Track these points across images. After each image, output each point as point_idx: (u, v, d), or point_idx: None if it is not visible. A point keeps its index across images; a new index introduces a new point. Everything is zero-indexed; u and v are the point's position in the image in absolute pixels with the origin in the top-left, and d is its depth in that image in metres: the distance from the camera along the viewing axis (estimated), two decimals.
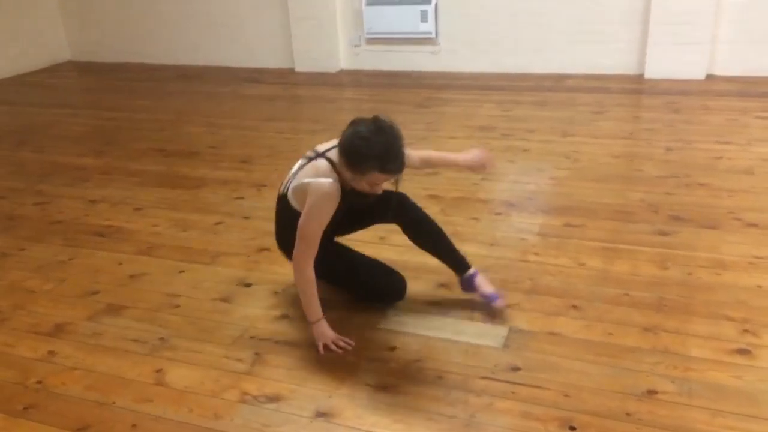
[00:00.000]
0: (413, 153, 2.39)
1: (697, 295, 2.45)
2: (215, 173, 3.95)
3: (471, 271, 2.45)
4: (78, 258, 3.01)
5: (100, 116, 5.39)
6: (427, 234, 2.47)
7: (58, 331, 2.45)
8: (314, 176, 2.18)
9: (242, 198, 3.59)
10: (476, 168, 2.53)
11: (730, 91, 4.99)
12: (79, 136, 4.91)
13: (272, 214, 3.39)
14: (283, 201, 2.38)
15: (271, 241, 3.02)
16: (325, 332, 2.25)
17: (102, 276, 2.83)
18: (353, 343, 2.26)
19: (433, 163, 2.60)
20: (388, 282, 2.46)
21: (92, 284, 2.76)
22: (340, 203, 2.15)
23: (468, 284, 2.46)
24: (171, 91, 6.05)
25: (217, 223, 3.28)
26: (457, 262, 2.47)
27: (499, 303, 2.41)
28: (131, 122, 5.13)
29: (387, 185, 2.24)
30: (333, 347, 2.24)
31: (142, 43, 7.12)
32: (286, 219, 2.33)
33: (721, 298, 2.42)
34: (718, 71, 5.38)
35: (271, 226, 3.22)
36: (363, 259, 2.50)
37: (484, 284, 2.44)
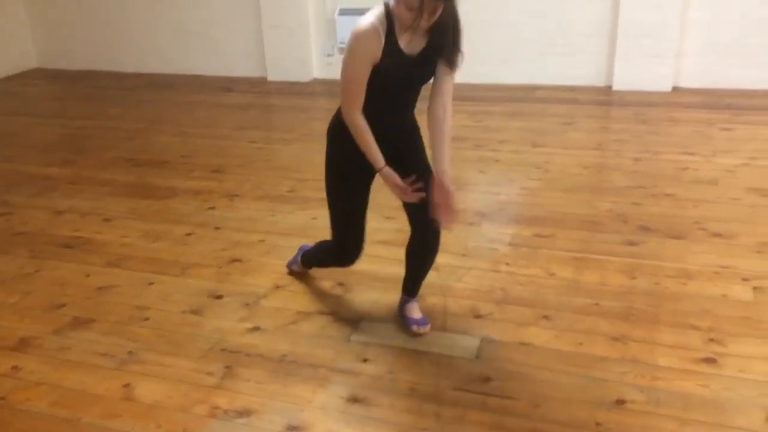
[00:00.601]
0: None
1: (664, 305, 2.49)
2: (186, 183, 3.91)
3: (407, 297, 2.44)
4: (44, 270, 2.95)
5: (68, 125, 5.31)
6: (421, 255, 2.39)
7: (23, 345, 2.40)
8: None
9: (214, 208, 3.56)
10: (436, 211, 2.23)
11: (695, 103, 5.11)
12: (47, 145, 4.82)
13: (244, 224, 3.38)
14: None
15: (243, 252, 3.02)
16: (393, 178, 2.18)
17: (69, 288, 2.78)
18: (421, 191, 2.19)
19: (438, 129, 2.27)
20: (342, 242, 2.40)
21: (59, 297, 2.71)
22: (385, 56, 2.03)
23: (402, 307, 2.45)
24: (142, 99, 5.99)
25: (188, 234, 3.25)
26: (409, 287, 2.45)
27: (417, 330, 2.36)
28: (101, 131, 5.06)
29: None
30: (408, 192, 2.19)
31: (112, 51, 7.03)
32: None
33: (687, 308, 2.47)
34: (684, 83, 5.49)
35: (242, 237, 3.20)
36: (349, 209, 2.37)
37: (412, 310, 2.42)
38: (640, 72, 5.44)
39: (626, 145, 4.27)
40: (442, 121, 2.25)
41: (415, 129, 2.36)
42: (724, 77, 5.39)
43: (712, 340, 2.27)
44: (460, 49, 2.18)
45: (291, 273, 2.80)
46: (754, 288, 2.58)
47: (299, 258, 2.73)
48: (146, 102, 5.89)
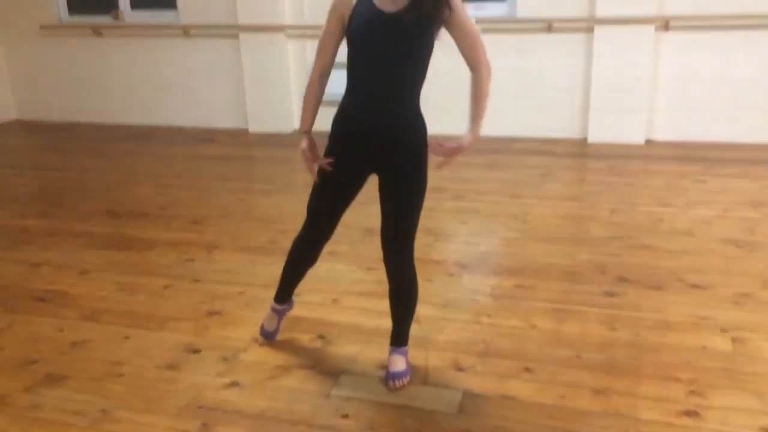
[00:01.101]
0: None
1: (645, 357, 2.49)
2: (165, 235, 3.88)
3: (402, 348, 2.40)
4: (17, 325, 2.88)
5: (46, 176, 5.27)
6: (395, 296, 2.37)
7: None
8: None
9: (192, 260, 3.52)
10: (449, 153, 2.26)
11: (668, 156, 5.23)
12: (24, 197, 4.77)
13: (223, 276, 3.35)
14: None
15: (222, 304, 2.98)
16: (300, 144, 2.23)
17: (42, 344, 2.71)
18: (327, 166, 2.21)
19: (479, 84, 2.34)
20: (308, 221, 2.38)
21: (31, 353, 2.64)
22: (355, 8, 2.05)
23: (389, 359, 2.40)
24: (121, 151, 5.98)
25: (166, 287, 3.20)
26: (397, 336, 2.41)
27: (392, 384, 2.32)
28: (79, 182, 5.03)
29: None
30: (312, 168, 2.23)
31: (92, 103, 7.06)
32: None
33: (668, 360, 2.47)
34: (657, 136, 5.64)
35: (222, 289, 3.17)
36: (323, 199, 2.33)
37: (393, 362, 2.37)
38: (614, 125, 5.58)
39: (603, 196, 4.34)
40: (473, 78, 2.27)
41: (409, 135, 2.19)
42: (696, 131, 5.54)
43: (693, 392, 2.27)
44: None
45: (267, 337, 2.66)
46: (733, 339, 2.59)
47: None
48: (126, 154, 5.89)
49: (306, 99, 2.28)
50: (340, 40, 2.21)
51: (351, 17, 2.09)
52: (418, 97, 2.22)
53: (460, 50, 2.19)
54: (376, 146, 2.19)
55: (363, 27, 2.07)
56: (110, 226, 4.06)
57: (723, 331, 2.65)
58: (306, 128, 2.28)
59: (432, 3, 2.02)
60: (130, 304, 3.04)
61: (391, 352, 2.41)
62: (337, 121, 2.26)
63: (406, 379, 2.35)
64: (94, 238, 3.88)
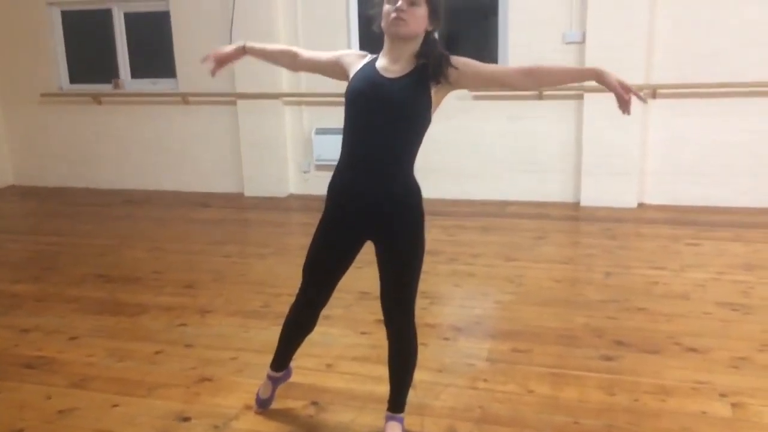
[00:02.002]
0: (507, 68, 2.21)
1: (644, 422, 2.44)
2: (158, 299, 3.85)
3: (399, 415, 2.34)
4: (3, 392, 2.81)
5: (40, 241, 5.26)
6: (394, 357, 2.32)
7: None
8: None
9: (185, 325, 3.48)
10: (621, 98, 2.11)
11: (660, 219, 5.27)
12: (17, 262, 4.75)
13: (215, 341, 3.31)
14: None
15: (214, 370, 2.93)
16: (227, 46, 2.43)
17: (28, 412, 2.64)
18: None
19: (544, 73, 2.21)
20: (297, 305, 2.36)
21: (16, 421, 2.57)
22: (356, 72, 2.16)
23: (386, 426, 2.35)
24: (116, 215, 6.00)
25: (157, 352, 3.15)
26: (393, 402, 2.36)
27: None
28: (72, 247, 5.02)
29: None
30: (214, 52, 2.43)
31: (88, 168, 7.12)
32: None
33: (667, 425, 2.42)
34: (648, 200, 5.70)
35: (214, 354, 3.12)
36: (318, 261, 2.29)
37: (393, 430, 2.32)
38: (606, 189, 5.65)
39: (597, 259, 4.35)
40: (538, 78, 2.20)
41: (405, 204, 2.16)
42: (686, 195, 5.62)
43: None
44: (441, 55, 2.08)
45: (261, 405, 2.59)
46: (732, 404, 2.55)
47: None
48: (120, 218, 5.90)
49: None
50: (326, 68, 2.33)
51: (354, 75, 2.15)
52: (413, 165, 2.22)
53: (508, 87, 2.22)
54: (370, 218, 2.18)
55: (363, 86, 2.11)
56: (102, 291, 4.03)
57: (722, 395, 2.62)
58: (245, 44, 2.46)
59: (436, 66, 2.06)
60: (119, 371, 2.99)
61: (387, 419, 2.35)
62: (332, 189, 2.26)
63: None
64: (86, 303, 3.84)
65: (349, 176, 2.17)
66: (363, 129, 2.13)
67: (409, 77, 2.08)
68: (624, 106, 2.08)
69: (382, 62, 2.13)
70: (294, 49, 2.45)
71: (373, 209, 2.15)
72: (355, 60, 2.22)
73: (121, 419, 2.57)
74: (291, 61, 2.48)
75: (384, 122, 2.09)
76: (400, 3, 2.00)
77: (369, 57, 2.21)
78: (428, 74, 2.07)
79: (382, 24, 2.08)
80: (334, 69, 2.30)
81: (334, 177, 2.25)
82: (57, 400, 2.73)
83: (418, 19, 2.04)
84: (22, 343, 3.31)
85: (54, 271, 4.44)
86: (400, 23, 2.02)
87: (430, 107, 2.12)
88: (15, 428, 2.52)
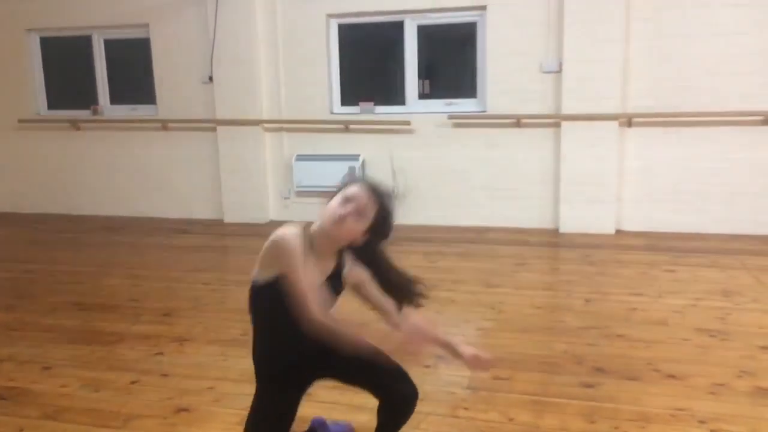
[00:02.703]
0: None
1: None
2: (134, 327, 3.79)
3: None
4: None
5: (14, 269, 5.17)
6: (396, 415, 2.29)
7: None
8: None
9: (162, 354, 3.42)
10: (475, 368, 2.28)
11: (638, 246, 5.33)
12: None
13: (193, 371, 3.25)
14: (254, 290, 2.11)
15: (191, 401, 2.87)
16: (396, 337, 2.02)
17: None
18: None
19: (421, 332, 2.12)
20: None
21: None
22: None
23: None
24: (93, 242, 5.93)
25: (133, 382, 3.09)
26: None
27: None
28: (47, 275, 4.94)
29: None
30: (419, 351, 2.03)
31: (68, 194, 7.05)
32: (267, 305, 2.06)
33: None
34: (626, 227, 5.77)
35: (191, 384, 3.07)
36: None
37: None
38: (584, 216, 5.72)
39: (576, 285, 4.38)
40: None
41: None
42: (663, 221, 5.70)
43: None
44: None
45: None
46: (711, 431, 2.56)
47: None
48: (98, 245, 5.83)
49: (351, 332, 2.00)
50: None
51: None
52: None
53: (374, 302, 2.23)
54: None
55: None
56: (78, 319, 3.96)
57: (701, 422, 2.62)
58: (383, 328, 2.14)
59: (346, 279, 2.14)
60: (94, 401, 2.92)
61: None
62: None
63: None
64: (61, 331, 3.77)
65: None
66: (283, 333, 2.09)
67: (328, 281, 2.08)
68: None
69: (308, 260, 2.01)
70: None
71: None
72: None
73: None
74: None
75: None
76: (345, 210, 2.00)
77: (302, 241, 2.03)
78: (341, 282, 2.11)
79: (325, 216, 2.04)
80: None
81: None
82: None
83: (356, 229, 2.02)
84: None
85: (28, 300, 4.36)
86: (341, 225, 2.00)
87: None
88: None
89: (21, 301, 4.34)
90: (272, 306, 2.03)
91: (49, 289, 4.58)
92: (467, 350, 2.22)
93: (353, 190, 2.04)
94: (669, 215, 5.69)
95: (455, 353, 2.22)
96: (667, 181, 5.66)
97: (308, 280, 1.96)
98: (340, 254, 2.11)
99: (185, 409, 2.80)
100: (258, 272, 2.08)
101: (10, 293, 4.53)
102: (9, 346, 3.56)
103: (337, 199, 2.04)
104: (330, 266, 2.09)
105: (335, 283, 2.11)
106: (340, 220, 2.00)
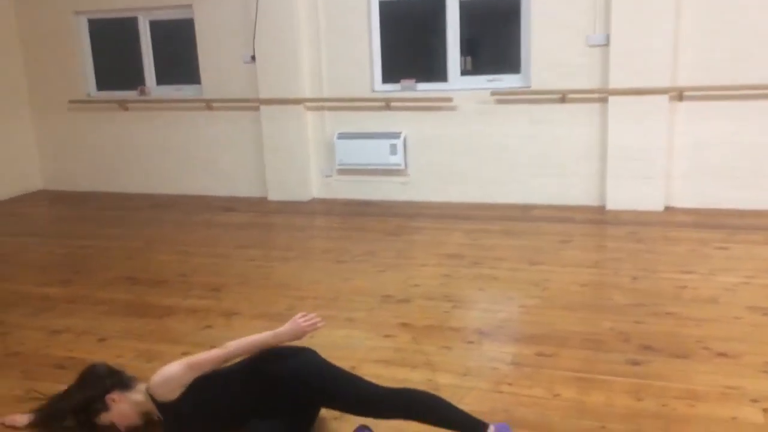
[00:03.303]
0: (196, 362, 2.41)
1: (672, 428, 2.41)
2: (184, 302, 3.89)
3: (491, 429, 2.22)
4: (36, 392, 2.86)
5: (69, 245, 5.35)
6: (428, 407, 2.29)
7: None
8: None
9: (211, 327, 3.52)
10: (299, 335, 2.44)
11: (688, 223, 5.21)
12: (46, 265, 4.84)
13: None
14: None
15: None
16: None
17: None
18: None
19: (237, 354, 2.44)
20: None
21: None
22: None
23: None
24: (143, 219, 6.08)
25: (184, 354, 3.17)
26: (473, 426, 2.23)
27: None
28: (100, 250, 5.10)
29: None
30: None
31: (116, 173, 7.24)
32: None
33: (697, 431, 2.39)
34: (676, 203, 5.63)
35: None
36: None
37: None
38: (632, 193, 5.59)
39: (623, 263, 4.31)
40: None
41: None
42: (714, 198, 5.53)
43: None
44: None
45: None
46: (764, 410, 2.51)
47: None
48: (147, 222, 5.98)
49: (243, 344, 2.46)
50: None
51: None
52: None
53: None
54: None
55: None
56: (130, 294, 4.09)
57: (753, 401, 2.57)
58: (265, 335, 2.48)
59: None
60: (147, 371, 3.00)
61: None
62: None
63: None
64: (114, 305, 3.90)
65: None
66: None
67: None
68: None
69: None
70: None
71: None
72: None
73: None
74: None
75: None
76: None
77: None
78: None
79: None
80: None
81: None
82: None
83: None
84: (54, 344, 3.37)
85: (83, 274, 4.52)
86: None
87: None
88: None
89: (76, 275, 4.50)
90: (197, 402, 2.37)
91: (102, 264, 4.73)
92: (284, 328, 2.44)
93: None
94: (721, 191, 5.52)
95: (281, 338, 2.44)
96: (719, 157, 5.48)
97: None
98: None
99: None
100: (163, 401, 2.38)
101: (66, 268, 4.70)
102: (66, 318, 3.71)
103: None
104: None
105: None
106: None
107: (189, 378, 2.36)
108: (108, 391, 2.43)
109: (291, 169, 6.49)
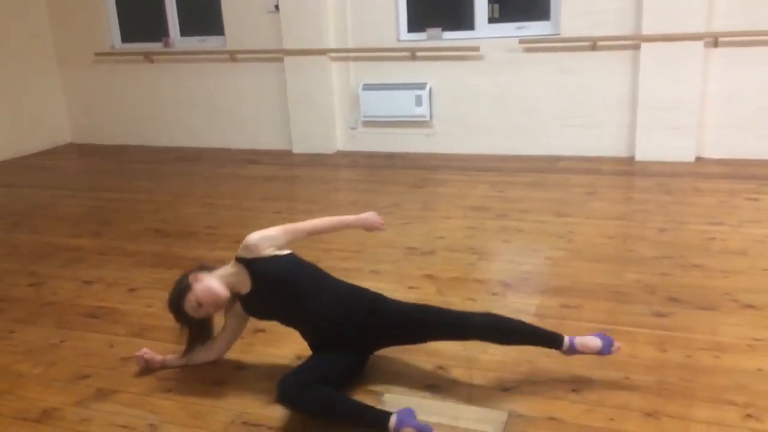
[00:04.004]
0: (291, 228, 2.58)
1: (697, 379, 2.41)
2: (212, 253, 3.95)
3: (566, 340, 2.40)
4: (69, 340, 2.96)
5: (98, 197, 5.44)
6: (509, 331, 2.44)
7: (46, 417, 2.38)
8: None
9: None
10: (368, 228, 2.75)
11: (718, 174, 5.10)
12: (76, 217, 4.94)
13: None
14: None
15: (266, 323, 3.00)
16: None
17: (93, 359, 2.78)
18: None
19: (321, 231, 2.72)
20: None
21: (83, 368, 2.71)
22: None
23: (572, 352, 2.41)
24: (170, 173, 6.14)
25: None
26: (552, 339, 2.43)
27: (615, 347, 2.41)
28: (129, 203, 5.18)
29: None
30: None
31: (142, 127, 7.28)
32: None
33: (721, 382, 2.38)
34: (707, 154, 5.51)
35: None
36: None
37: (588, 343, 2.40)
38: (662, 143, 5.48)
39: (651, 215, 4.25)
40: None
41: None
42: (747, 148, 5.40)
43: (749, 416, 2.18)
44: None
45: None
46: None
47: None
48: (174, 175, 6.04)
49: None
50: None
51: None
52: None
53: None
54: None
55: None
56: (159, 245, 4.16)
57: None
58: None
59: None
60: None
61: (572, 345, 2.39)
62: None
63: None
64: (144, 256, 3.98)
65: None
66: None
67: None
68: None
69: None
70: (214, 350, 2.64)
71: None
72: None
73: (180, 367, 2.67)
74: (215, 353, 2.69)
75: None
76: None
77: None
78: None
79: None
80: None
81: None
82: (119, 348, 2.86)
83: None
84: (85, 294, 3.46)
85: (112, 226, 4.60)
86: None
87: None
88: (82, 374, 2.66)
89: (106, 227, 4.58)
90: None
91: (130, 216, 4.81)
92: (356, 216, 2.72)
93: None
94: (754, 142, 5.37)
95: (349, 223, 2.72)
96: (754, 106, 5.32)
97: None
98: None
99: (262, 330, 2.93)
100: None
101: (96, 220, 4.79)
102: (97, 269, 3.80)
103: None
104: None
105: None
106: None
107: (283, 240, 2.52)
108: (191, 273, 2.53)
109: (316, 122, 6.47)
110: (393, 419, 2.08)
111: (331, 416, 2.21)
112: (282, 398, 2.21)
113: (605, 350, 2.40)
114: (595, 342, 2.40)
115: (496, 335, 2.44)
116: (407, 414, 2.11)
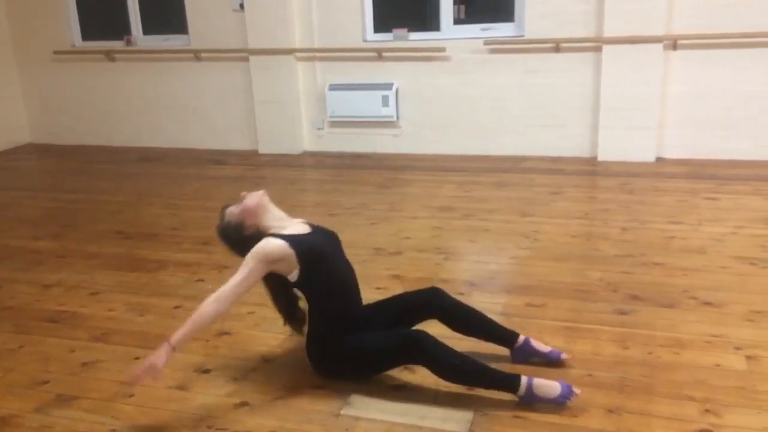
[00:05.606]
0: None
1: (658, 375, 2.46)
2: (176, 255, 3.90)
3: (521, 338, 2.54)
4: (28, 345, 2.89)
5: (58, 198, 5.32)
6: (465, 318, 2.60)
7: (4, 424, 2.32)
8: None
9: (202, 280, 3.53)
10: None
11: (679, 173, 5.21)
12: (36, 219, 4.82)
13: None
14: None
15: (232, 325, 2.97)
16: (159, 358, 2.25)
17: (53, 364, 2.72)
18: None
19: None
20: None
21: (42, 373, 2.65)
22: None
23: (525, 352, 2.53)
24: (133, 173, 6.04)
25: (176, 307, 3.21)
26: (506, 335, 2.56)
27: (564, 356, 2.53)
28: (90, 204, 5.07)
29: None
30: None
31: (104, 127, 7.14)
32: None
33: (681, 378, 2.44)
34: (667, 154, 5.62)
35: (232, 309, 3.14)
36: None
37: (541, 345, 2.55)
38: (624, 143, 5.58)
39: (613, 214, 4.32)
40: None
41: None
42: (706, 148, 5.53)
43: (707, 411, 2.23)
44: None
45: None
46: (747, 357, 2.56)
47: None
48: (137, 175, 5.94)
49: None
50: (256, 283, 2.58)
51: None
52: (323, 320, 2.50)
53: None
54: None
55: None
56: (121, 247, 4.09)
57: (737, 349, 2.62)
58: (171, 344, 2.32)
59: None
60: (139, 325, 3.05)
61: (528, 342, 2.54)
62: None
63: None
64: (105, 258, 3.91)
65: None
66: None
67: None
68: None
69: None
70: (212, 301, 2.37)
71: None
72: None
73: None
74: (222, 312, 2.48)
75: None
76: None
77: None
78: None
79: None
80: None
81: None
82: (80, 353, 2.80)
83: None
84: (45, 298, 3.38)
85: (73, 228, 4.51)
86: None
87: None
88: (41, 380, 2.60)
89: (66, 229, 4.48)
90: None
91: (92, 218, 4.72)
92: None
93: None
94: (713, 141, 5.51)
95: None
96: (713, 107, 5.45)
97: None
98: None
99: (227, 333, 2.91)
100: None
101: (55, 222, 4.69)
102: (57, 272, 3.71)
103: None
104: None
105: None
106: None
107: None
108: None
109: (282, 122, 6.43)
110: (523, 380, 2.25)
111: (464, 371, 2.31)
112: (427, 349, 2.30)
113: (556, 355, 2.53)
114: (547, 347, 2.56)
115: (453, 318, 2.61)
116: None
